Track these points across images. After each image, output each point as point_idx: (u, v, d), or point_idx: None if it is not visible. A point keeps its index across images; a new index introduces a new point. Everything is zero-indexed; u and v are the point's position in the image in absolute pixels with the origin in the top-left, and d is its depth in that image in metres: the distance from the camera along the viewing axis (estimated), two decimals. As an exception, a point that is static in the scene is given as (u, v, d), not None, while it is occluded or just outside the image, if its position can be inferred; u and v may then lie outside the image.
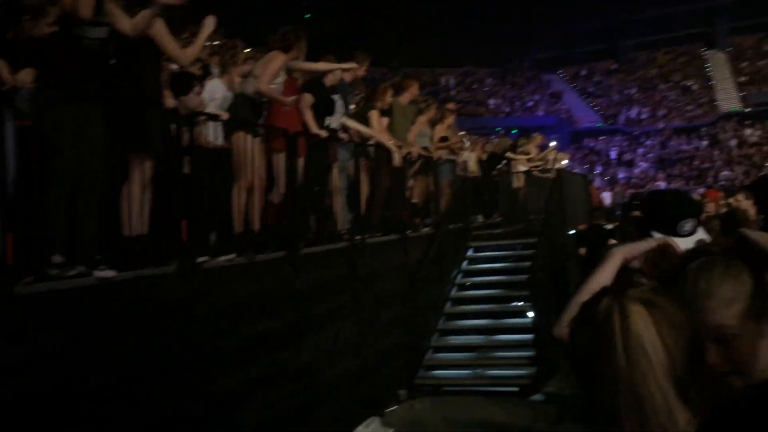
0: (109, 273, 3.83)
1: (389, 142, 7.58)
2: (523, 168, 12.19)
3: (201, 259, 4.61)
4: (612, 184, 28.87)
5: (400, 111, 8.15)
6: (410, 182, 8.97)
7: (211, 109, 5.46)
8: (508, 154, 12.30)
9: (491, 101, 35.58)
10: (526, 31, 37.79)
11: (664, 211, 2.46)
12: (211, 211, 5.08)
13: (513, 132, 32.58)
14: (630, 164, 31.02)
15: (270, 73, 5.59)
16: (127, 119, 4.21)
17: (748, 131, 30.31)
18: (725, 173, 27.26)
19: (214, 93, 5.68)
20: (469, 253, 9.69)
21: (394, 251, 7.76)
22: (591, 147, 33.23)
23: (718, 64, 35.78)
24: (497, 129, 33.14)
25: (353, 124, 7.28)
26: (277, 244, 5.57)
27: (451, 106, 12.07)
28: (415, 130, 9.26)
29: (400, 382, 7.27)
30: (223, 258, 4.92)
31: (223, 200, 5.28)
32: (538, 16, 36.30)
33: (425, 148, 9.31)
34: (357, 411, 6.36)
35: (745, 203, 5.55)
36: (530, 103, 35.85)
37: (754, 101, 32.06)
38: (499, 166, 12.18)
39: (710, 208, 11.19)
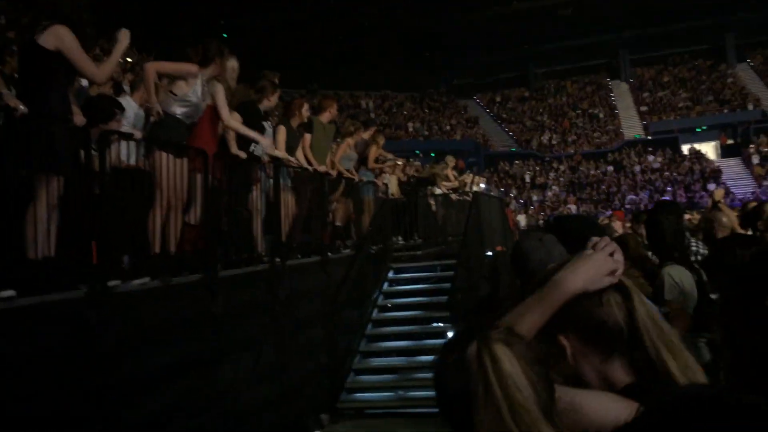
0: (8, 293, 3.59)
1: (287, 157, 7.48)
2: (442, 191, 12.42)
3: (112, 283, 4.40)
4: (526, 206, 29.86)
5: (320, 129, 8.14)
6: (333, 205, 8.96)
7: (124, 127, 5.25)
8: (434, 178, 12.52)
9: (410, 125, 36.18)
10: (443, 58, 38.83)
11: (571, 234, 2.57)
12: (124, 233, 4.87)
13: (431, 155, 33.30)
14: (543, 187, 32.21)
15: (169, 69, 5.33)
16: (32, 136, 3.99)
17: (650, 158, 32.17)
18: (630, 197, 28.75)
19: (127, 111, 5.48)
20: (390, 274, 9.74)
21: (315, 273, 7.69)
22: (506, 171, 34.31)
23: (621, 93, 37.93)
24: (416, 152, 33.72)
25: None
26: (194, 267, 5.40)
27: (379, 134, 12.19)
28: (339, 152, 9.29)
29: (323, 406, 7.16)
30: (137, 281, 4.72)
31: (138, 221, 5.08)
32: (454, 44, 37.38)
33: (348, 171, 9.36)
34: (277, 437, 6.21)
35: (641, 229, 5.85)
36: (447, 127, 36.70)
37: (654, 129, 34.14)
38: (424, 190, 12.37)
39: (617, 226, 11.72)
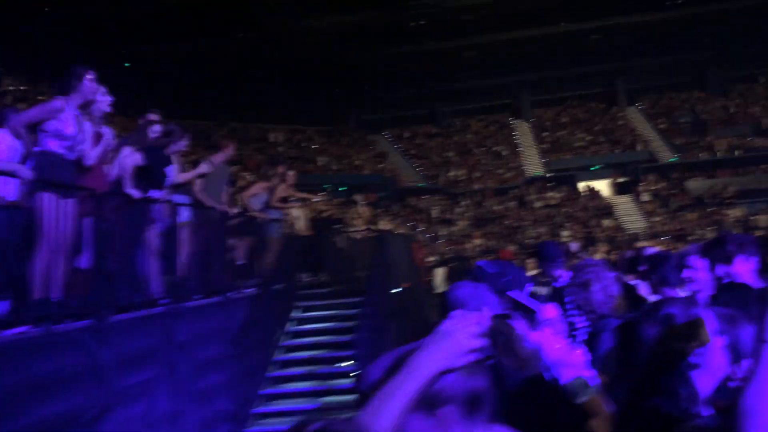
0: None
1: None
2: (355, 228, 12.45)
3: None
4: (434, 241, 30.38)
5: (213, 172, 7.97)
6: (233, 242, 8.75)
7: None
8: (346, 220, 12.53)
9: (319, 159, 36.20)
10: (353, 93, 39.33)
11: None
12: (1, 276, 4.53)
13: (341, 189, 33.38)
14: (449, 222, 32.92)
15: (34, 117, 5.05)
16: None
17: (549, 194, 33.65)
18: (532, 232, 29.83)
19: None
20: (296, 314, 9.58)
21: (215, 315, 7.44)
22: (414, 205, 34.86)
23: (523, 132, 39.64)
24: (325, 186, 33.71)
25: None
26: (81, 314, 5.07)
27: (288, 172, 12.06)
28: (250, 192, 9.17)
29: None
30: (13, 331, 4.38)
31: (17, 265, 4.73)
32: (365, 80, 37.98)
33: (260, 211, 9.24)
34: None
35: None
36: (357, 162, 36.98)
37: (553, 167, 35.81)
38: (334, 227, 12.34)
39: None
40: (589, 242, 25.20)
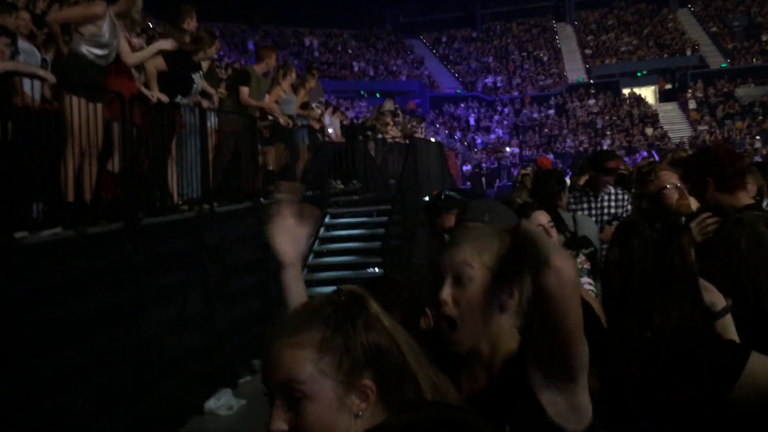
0: None
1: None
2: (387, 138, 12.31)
3: (19, 234, 4.21)
4: (471, 149, 30.07)
5: (255, 81, 7.86)
6: (264, 149, 8.76)
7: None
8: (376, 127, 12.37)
9: (355, 64, 35.54)
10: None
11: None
12: (32, 180, 4.64)
13: (377, 96, 32.90)
14: (487, 130, 32.41)
15: (70, 15, 5.03)
16: None
17: (591, 101, 32.64)
18: (569, 142, 29.22)
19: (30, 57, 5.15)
20: (326, 220, 9.69)
21: (246, 220, 7.57)
22: (451, 113, 34.30)
23: (566, 36, 38.04)
24: (361, 92, 33.28)
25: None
26: (112, 216, 5.21)
27: (314, 72, 11.84)
28: (273, 96, 9.03)
29: (254, 352, 7.16)
30: (48, 232, 4.53)
31: (48, 167, 4.83)
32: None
33: (290, 116, 9.14)
34: (208, 383, 6.20)
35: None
36: (393, 68, 36.23)
37: (596, 73, 34.53)
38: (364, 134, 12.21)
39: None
40: (630, 151, 24.63)
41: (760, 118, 28.27)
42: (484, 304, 1.36)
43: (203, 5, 6.88)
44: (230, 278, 6.87)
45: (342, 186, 11.28)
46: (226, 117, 7.38)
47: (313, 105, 10.41)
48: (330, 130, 11.64)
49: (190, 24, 6.86)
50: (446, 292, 1.37)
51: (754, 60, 32.28)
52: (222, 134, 7.29)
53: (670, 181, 3.35)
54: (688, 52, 34.15)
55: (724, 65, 32.63)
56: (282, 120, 8.73)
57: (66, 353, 4.48)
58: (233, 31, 32.95)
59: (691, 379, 1.49)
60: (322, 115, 11.09)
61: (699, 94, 31.33)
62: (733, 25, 35.25)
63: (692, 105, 30.94)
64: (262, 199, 8.03)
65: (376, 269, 8.50)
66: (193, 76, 6.33)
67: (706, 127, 28.89)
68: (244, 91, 7.68)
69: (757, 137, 26.27)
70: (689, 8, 37.36)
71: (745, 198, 2.65)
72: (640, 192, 3.69)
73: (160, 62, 5.86)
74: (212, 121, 7.09)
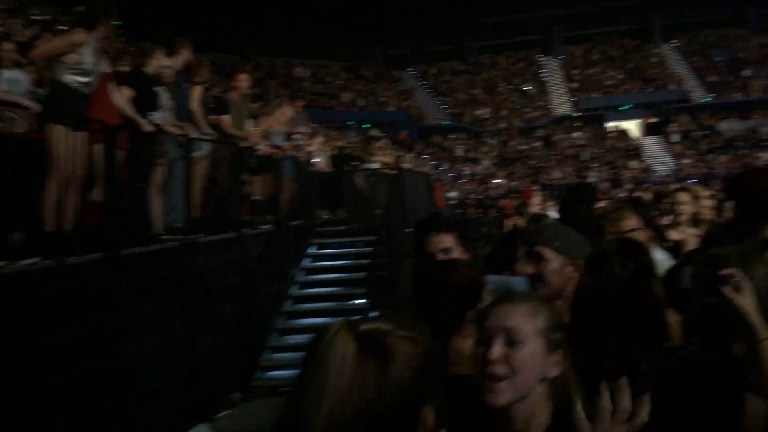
0: None
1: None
2: (372, 166, 12.35)
3: (-2, 264, 4.17)
4: (458, 180, 30.22)
5: (234, 108, 7.92)
6: (250, 178, 8.77)
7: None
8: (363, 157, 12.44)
9: (344, 94, 35.82)
10: (379, 28, 38.49)
11: None
12: (12, 209, 4.61)
13: (365, 126, 33.07)
14: (474, 161, 32.64)
15: (52, 48, 5.05)
16: None
17: (576, 134, 33.03)
18: (557, 174, 29.48)
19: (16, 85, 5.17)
20: (313, 250, 9.68)
21: (230, 249, 7.54)
22: (439, 144, 34.54)
23: (552, 70, 38.62)
24: (349, 123, 33.46)
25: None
26: (94, 246, 5.18)
27: (297, 102, 11.95)
28: (262, 126, 9.08)
29: (235, 384, 7.08)
30: (26, 261, 4.49)
31: (29, 196, 4.80)
32: (391, 14, 37.09)
33: (278, 147, 9.20)
34: (185, 415, 6.10)
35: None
36: (382, 99, 36.54)
37: (582, 106, 35.02)
38: (350, 164, 12.25)
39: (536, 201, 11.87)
40: (615, 184, 24.86)
41: (743, 152, 28.69)
42: (533, 369, 1.38)
43: (195, 36, 6.90)
44: (213, 308, 6.82)
45: (329, 216, 11.30)
46: (212, 146, 7.40)
47: (297, 135, 10.48)
48: (317, 160, 11.68)
49: (186, 56, 6.78)
50: (498, 351, 1.38)
51: (736, 95, 32.89)
52: (208, 162, 7.30)
53: (632, 226, 3.31)
54: (671, 87, 34.75)
55: (707, 99, 33.20)
56: (266, 151, 8.77)
57: (41, 382, 4.41)
58: (225, 62, 33.19)
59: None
60: (308, 144, 11.14)
61: (682, 128, 31.80)
62: (715, 60, 35.98)
63: (676, 138, 31.37)
64: (247, 229, 8.03)
65: (360, 301, 8.46)
66: (156, 90, 6.26)
67: (689, 161, 29.26)
68: (224, 119, 7.72)
69: (738, 171, 26.63)
70: (672, 44, 38.13)
71: None
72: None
73: (126, 92, 5.85)
74: (204, 149, 7.11)
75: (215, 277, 6.98)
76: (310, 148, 11.27)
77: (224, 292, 7.19)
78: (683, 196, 5.21)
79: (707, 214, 5.28)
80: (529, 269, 2.34)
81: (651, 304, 1.70)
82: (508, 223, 8.92)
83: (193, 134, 7.00)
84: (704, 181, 14.82)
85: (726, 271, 1.65)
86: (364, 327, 1.08)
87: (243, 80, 8.15)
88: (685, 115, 32.50)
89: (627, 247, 1.86)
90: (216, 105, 7.96)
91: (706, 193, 6.11)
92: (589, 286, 1.75)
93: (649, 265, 1.79)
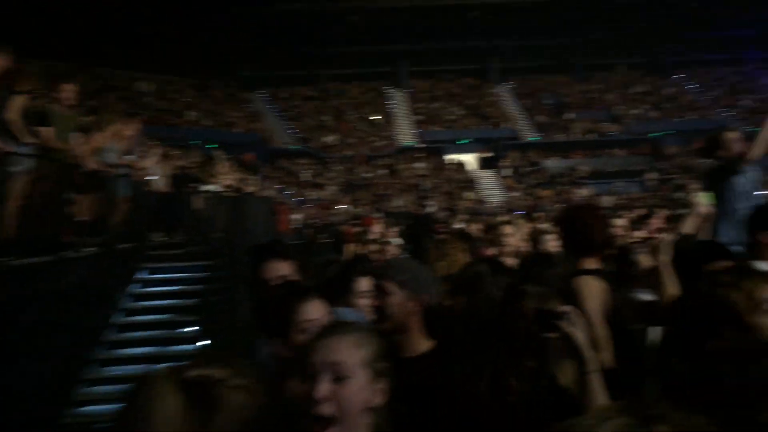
0: None
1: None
2: (213, 187, 11.98)
3: None
4: (303, 204, 30.21)
5: (58, 119, 7.38)
6: (76, 197, 8.16)
7: None
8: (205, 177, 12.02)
9: (190, 113, 34.63)
10: (231, 47, 37.79)
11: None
12: None
13: (211, 146, 32.07)
14: (320, 187, 32.85)
15: None
16: None
17: (417, 164, 34.48)
18: (399, 202, 30.48)
19: None
20: (143, 275, 9.17)
21: (46, 274, 6.94)
22: (286, 168, 34.40)
23: (399, 102, 40.15)
24: (194, 142, 32.34)
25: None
26: None
27: (136, 119, 11.34)
28: (96, 142, 8.49)
29: (43, 423, 6.47)
30: None
31: None
32: (242, 35, 36.62)
33: (111, 165, 8.63)
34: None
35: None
36: (229, 119, 35.80)
37: (425, 138, 36.68)
38: (190, 185, 11.79)
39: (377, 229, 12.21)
40: (451, 213, 26.13)
41: (562, 188, 31.52)
42: (360, 402, 1.36)
43: (27, 42, 6.35)
44: (21, 342, 6.21)
45: (165, 239, 10.78)
46: (29, 160, 6.80)
47: (132, 152, 9.95)
48: (154, 178, 11.12)
49: (2, 62, 6.27)
50: (324, 389, 1.34)
51: (560, 135, 36.20)
52: (24, 179, 6.69)
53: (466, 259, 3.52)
54: (506, 125, 37.49)
55: (535, 138, 36.18)
56: (95, 167, 8.23)
57: None
58: (60, 70, 30.79)
59: None
60: (142, 161, 10.59)
61: (513, 163, 34.36)
62: (543, 102, 39.44)
63: (507, 173, 33.78)
64: (68, 252, 7.44)
65: (194, 328, 8.14)
66: None
67: (518, 194, 31.58)
68: (44, 131, 7.16)
69: (562, 205, 29.21)
70: (508, 85, 41.22)
71: None
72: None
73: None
74: (24, 164, 6.53)
75: (26, 307, 6.37)
76: (145, 165, 10.72)
77: (37, 324, 6.58)
78: (508, 229, 5.61)
79: (524, 245, 5.72)
80: (374, 302, 2.35)
81: (522, 322, 1.78)
82: (349, 249, 9.05)
83: (9, 147, 6.41)
84: (529, 213, 16.00)
85: (563, 308, 1.77)
86: (192, 374, 1.04)
87: (67, 90, 7.62)
88: (516, 151, 35.16)
89: (498, 268, 1.95)
90: (36, 116, 7.36)
91: (528, 226, 6.62)
92: (465, 305, 1.80)
93: (520, 289, 1.88)
